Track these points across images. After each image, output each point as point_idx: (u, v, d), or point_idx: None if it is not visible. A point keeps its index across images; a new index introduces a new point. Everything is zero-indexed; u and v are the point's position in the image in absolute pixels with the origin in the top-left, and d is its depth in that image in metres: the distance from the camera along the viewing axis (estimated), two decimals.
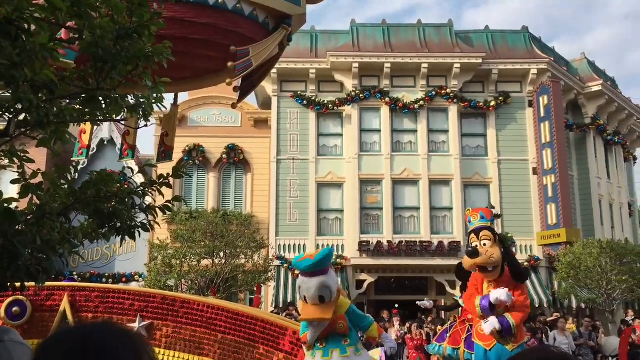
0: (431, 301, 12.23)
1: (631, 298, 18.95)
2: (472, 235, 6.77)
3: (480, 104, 21.99)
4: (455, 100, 21.73)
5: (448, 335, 7.89)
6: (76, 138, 7.12)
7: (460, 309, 8.65)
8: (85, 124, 6.30)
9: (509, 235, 19.78)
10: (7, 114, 2.62)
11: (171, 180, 3.36)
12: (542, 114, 21.67)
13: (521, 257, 20.20)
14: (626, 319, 17.31)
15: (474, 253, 6.48)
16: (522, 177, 21.70)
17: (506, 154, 21.85)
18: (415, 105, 21.63)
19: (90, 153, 21.58)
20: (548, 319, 15.19)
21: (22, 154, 3.12)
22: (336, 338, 5.26)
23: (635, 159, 29.14)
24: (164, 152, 6.88)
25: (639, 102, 30.96)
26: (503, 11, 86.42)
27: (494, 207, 19.22)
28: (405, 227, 21.13)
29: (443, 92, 21.73)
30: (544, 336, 12.69)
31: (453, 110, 21.81)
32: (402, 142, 21.84)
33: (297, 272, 5.46)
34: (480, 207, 20.31)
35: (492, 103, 21.97)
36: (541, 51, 23.16)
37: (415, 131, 21.81)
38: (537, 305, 18.89)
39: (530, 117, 22.17)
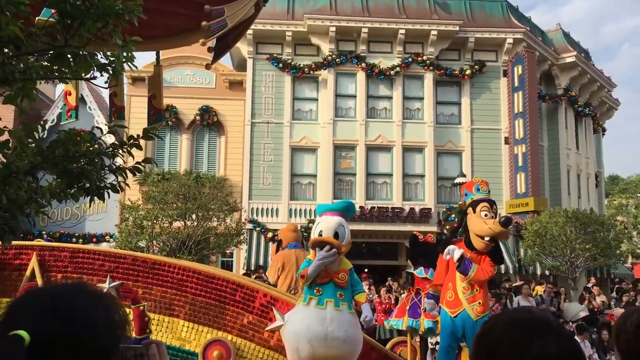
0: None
1: (593, 266, 19.61)
2: (485, 204, 6.42)
3: (456, 72, 22.03)
4: (431, 68, 21.73)
5: (423, 309, 8.02)
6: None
7: (412, 280, 8.71)
8: (69, 83, 6.07)
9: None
10: None
11: (142, 141, 3.32)
12: (516, 84, 21.85)
13: None
14: (587, 285, 17.96)
15: (508, 222, 6.26)
16: (493, 146, 21.98)
17: (479, 122, 22.06)
18: (391, 72, 21.57)
19: (59, 110, 21.08)
20: (513, 285, 15.66)
21: None
22: (333, 290, 5.37)
23: (604, 130, 29.71)
24: (154, 114, 6.68)
25: (611, 74, 31.45)
26: None
27: (464, 175, 19.60)
28: (377, 193, 21.33)
29: (419, 59, 21.68)
30: (508, 301, 13.09)
31: (429, 77, 21.82)
32: (377, 108, 21.85)
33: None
34: (452, 175, 20.48)
35: (468, 71, 22.03)
36: (518, 21, 23.20)
37: (390, 98, 21.81)
38: (502, 272, 19.40)
39: (504, 87, 22.33)
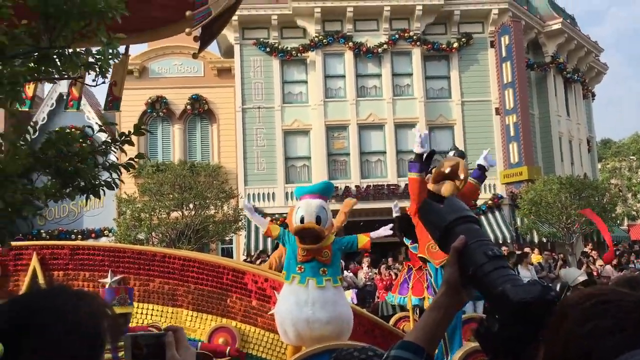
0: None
1: (590, 231, 19.80)
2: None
3: (443, 46, 21.98)
4: (418, 43, 21.66)
5: (410, 286, 8.03)
6: (26, 97, 6.95)
7: (408, 254, 8.70)
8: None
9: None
10: None
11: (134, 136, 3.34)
12: (504, 54, 21.82)
13: (485, 196, 20.76)
14: (585, 249, 18.17)
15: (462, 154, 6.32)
16: (485, 118, 22.01)
17: (469, 95, 22.06)
18: (379, 49, 21.50)
19: (49, 109, 20.98)
20: (516, 253, 15.74)
21: None
22: (316, 267, 5.36)
23: (594, 95, 29.76)
24: (111, 101, 6.78)
25: (598, 39, 31.40)
26: None
27: (457, 148, 19.63)
28: (372, 171, 21.40)
29: (406, 35, 21.60)
30: None
31: (416, 53, 21.76)
32: (367, 87, 21.81)
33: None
34: (445, 149, 20.54)
35: (455, 45, 21.98)
36: None
37: (379, 75, 21.76)
38: (500, 242, 19.58)
39: (492, 58, 22.30)
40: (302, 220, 5.31)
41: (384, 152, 21.33)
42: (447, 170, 6.02)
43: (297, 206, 5.51)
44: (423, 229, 6.50)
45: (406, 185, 20.80)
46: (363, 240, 5.77)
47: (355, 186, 20.60)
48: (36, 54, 2.80)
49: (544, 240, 20.28)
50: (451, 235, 1.34)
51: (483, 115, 21.99)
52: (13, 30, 2.86)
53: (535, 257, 15.29)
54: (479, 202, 19.97)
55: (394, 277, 13.29)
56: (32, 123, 3.72)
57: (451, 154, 18.09)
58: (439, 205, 1.45)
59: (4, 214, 2.48)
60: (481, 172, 6.69)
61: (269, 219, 6.02)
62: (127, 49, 7.29)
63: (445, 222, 1.37)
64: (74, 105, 7.17)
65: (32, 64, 3.03)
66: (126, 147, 3.32)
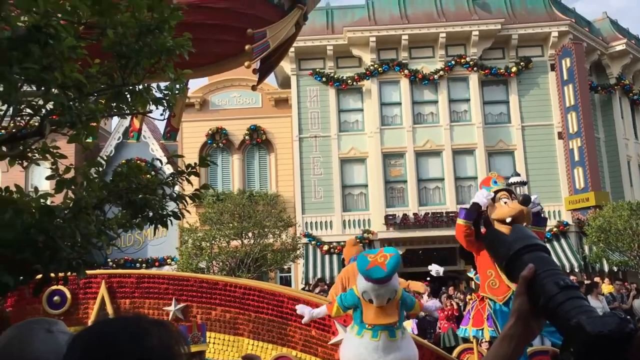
0: (441, 268, 11.98)
1: None
2: (504, 192, 6.33)
3: (501, 71, 21.66)
4: (475, 69, 21.44)
5: (471, 316, 7.80)
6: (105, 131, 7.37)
7: (474, 285, 8.49)
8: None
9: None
10: (39, 115, 2.72)
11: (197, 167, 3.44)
12: (565, 77, 21.26)
13: (550, 223, 20.04)
14: None
15: (527, 200, 6.04)
16: (547, 142, 21.41)
17: (530, 119, 21.55)
18: (435, 76, 21.41)
19: (116, 142, 21.93)
20: (584, 282, 15.08)
21: (54, 151, 3.23)
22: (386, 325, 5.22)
23: None
24: (169, 132, 7.07)
25: None
26: None
27: (519, 174, 19.14)
28: (430, 198, 21.11)
29: (462, 60, 21.44)
30: None
31: (473, 78, 21.53)
32: (424, 113, 21.69)
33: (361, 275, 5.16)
34: (506, 175, 20.02)
35: (514, 69, 21.62)
36: (561, 13, 22.62)
37: (436, 102, 21.62)
38: (567, 271, 18.77)
39: (553, 81, 21.77)
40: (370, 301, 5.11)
41: (442, 179, 21.03)
42: (508, 220, 5.90)
43: (362, 287, 5.10)
44: (482, 266, 6.34)
45: None
46: (417, 308, 5.69)
47: (414, 214, 20.35)
48: (109, 91, 2.95)
49: (615, 269, 19.29)
50: (519, 264, 1.30)
51: (545, 139, 21.40)
52: (89, 69, 3.03)
53: (606, 287, 14.56)
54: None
55: (455, 307, 12.93)
56: (104, 157, 3.90)
57: (513, 179, 17.59)
58: (504, 234, 1.42)
59: (80, 244, 2.59)
60: (539, 218, 6.44)
61: (325, 306, 5.86)
62: (186, 83, 7.59)
63: (512, 251, 1.33)
64: (134, 136, 7.50)
65: (106, 101, 3.19)
66: (191, 177, 3.42)
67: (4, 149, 3.21)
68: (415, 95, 21.69)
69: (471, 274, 8.51)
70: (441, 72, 21.43)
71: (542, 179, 20.92)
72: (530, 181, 20.44)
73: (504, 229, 5.98)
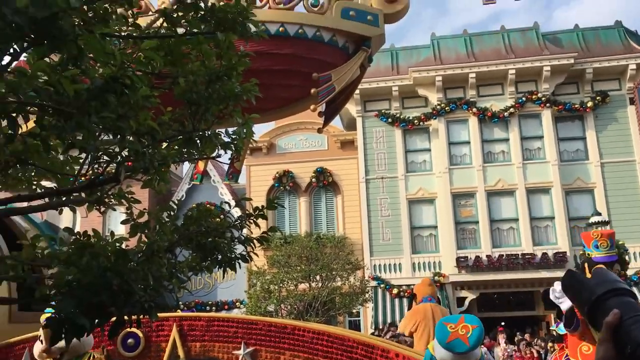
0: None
1: None
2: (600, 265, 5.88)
3: (576, 106, 20.93)
4: (548, 105, 20.84)
5: None
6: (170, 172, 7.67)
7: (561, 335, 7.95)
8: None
9: (620, 242, 18.51)
10: (115, 162, 2.83)
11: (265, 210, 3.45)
12: None
13: (635, 265, 18.82)
14: None
15: (544, 297, 5.53)
16: (629, 179, 20.31)
17: (609, 155, 20.58)
18: (505, 113, 20.96)
19: (187, 186, 22.68)
20: None
21: (129, 196, 3.33)
22: None
23: None
24: (232, 173, 7.23)
25: None
26: (594, 7, 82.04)
27: (599, 214, 18.18)
28: (504, 239, 20.36)
29: (534, 97, 20.92)
30: None
31: (546, 114, 20.91)
32: (494, 152, 21.18)
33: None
34: (585, 214, 18.95)
35: (589, 104, 20.84)
36: (638, 45, 21.75)
37: (507, 140, 21.09)
38: None
39: (632, 115, 20.79)
40: None
41: (516, 219, 20.28)
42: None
43: (440, 356, 4.82)
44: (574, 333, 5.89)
45: (543, 254, 19.50)
46: None
47: (487, 256, 19.65)
48: (180, 137, 3.04)
49: None
50: (602, 309, 1.22)
51: (626, 176, 20.32)
52: (161, 117, 3.13)
53: None
54: (630, 272, 18.09)
55: (536, 355, 12.24)
56: (175, 200, 3.99)
57: (593, 219, 16.71)
58: (586, 277, 1.32)
59: (152, 287, 2.63)
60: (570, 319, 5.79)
61: None
62: (252, 126, 7.79)
63: (595, 295, 1.25)
64: (198, 178, 7.74)
65: (177, 147, 3.29)
66: (258, 220, 3.43)
67: (83, 195, 3.34)
68: (485, 133, 21.27)
69: (553, 328, 8.02)
70: (511, 109, 20.96)
71: (625, 218, 19.76)
72: (613, 220, 19.35)
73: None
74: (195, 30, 2.71)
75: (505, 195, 20.61)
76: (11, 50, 1.92)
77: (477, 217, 20.41)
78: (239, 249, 3.54)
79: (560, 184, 20.21)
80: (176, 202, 3.83)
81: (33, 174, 3.33)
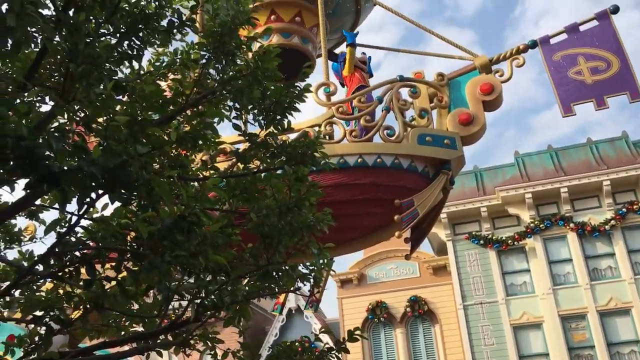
0: None
1: None
2: None
3: None
4: None
5: None
6: (260, 308, 7.70)
7: None
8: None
9: None
10: (194, 301, 2.85)
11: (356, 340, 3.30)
12: None
13: None
14: None
15: None
16: None
17: None
18: (606, 226, 19.72)
19: (280, 324, 22.45)
20: None
21: (212, 336, 3.30)
22: None
23: None
24: (311, 302, 7.13)
25: None
26: None
27: None
28: None
29: (635, 207, 19.67)
30: None
31: None
32: (600, 268, 19.66)
33: None
34: None
35: None
36: None
37: (612, 254, 19.62)
38: None
39: None
40: None
41: (637, 342, 18.20)
42: None
43: None
44: None
45: None
46: None
47: None
48: (257, 271, 3.04)
49: None
50: None
51: None
52: (241, 253, 3.18)
53: None
54: None
55: None
56: (262, 338, 3.93)
57: None
58: None
59: None
60: None
61: None
62: (331, 256, 7.76)
63: None
64: (278, 308, 7.71)
65: (256, 281, 3.28)
66: (353, 350, 3.27)
67: (170, 337, 3.35)
68: (587, 249, 19.95)
69: None
70: (612, 222, 19.72)
71: None
72: None
73: None
74: (265, 166, 2.82)
75: (621, 314, 18.74)
76: (87, 199, 2.06)
77: (592, 340, 18.53)
78: None
79: None
80: (262, 340, 3.76)
81: (124, 319, 3.40)
